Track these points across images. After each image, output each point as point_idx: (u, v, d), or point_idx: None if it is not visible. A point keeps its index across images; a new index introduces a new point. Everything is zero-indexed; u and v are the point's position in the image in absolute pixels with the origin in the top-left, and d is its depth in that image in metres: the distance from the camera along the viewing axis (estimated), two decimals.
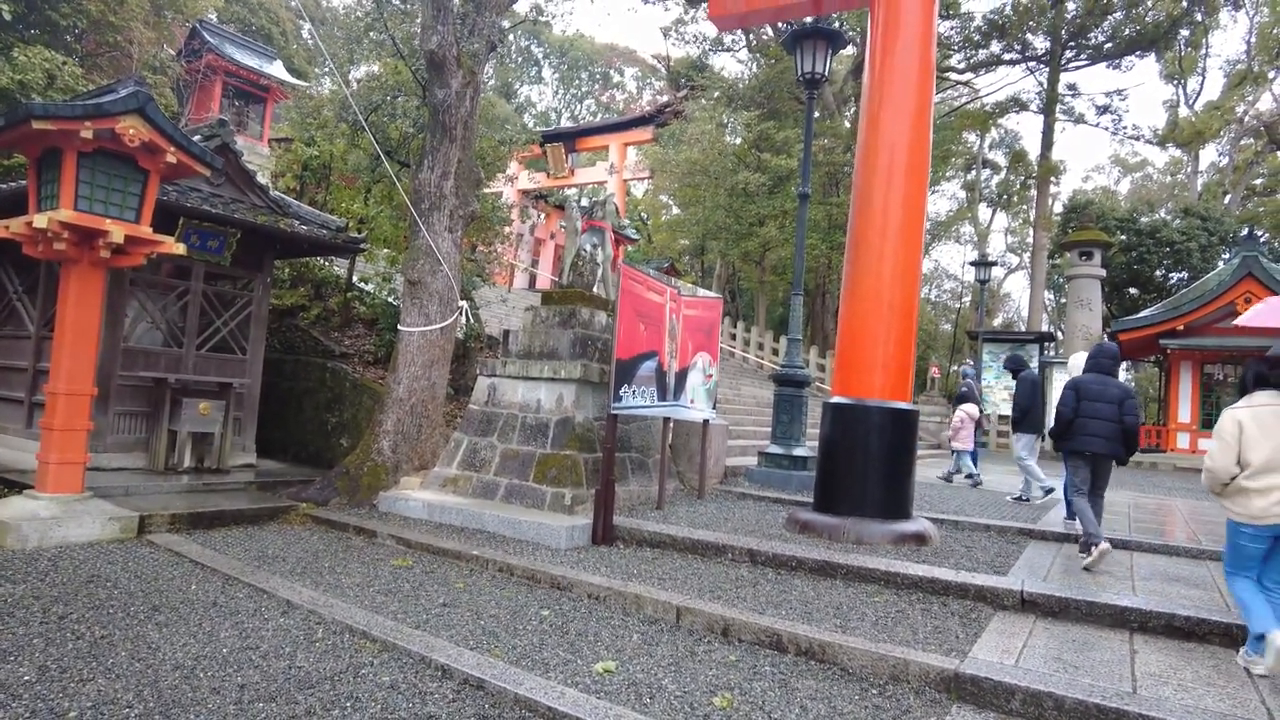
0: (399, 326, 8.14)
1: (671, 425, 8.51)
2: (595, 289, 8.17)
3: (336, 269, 13.05)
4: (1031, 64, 29.80)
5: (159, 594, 4.85)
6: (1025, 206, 41.14)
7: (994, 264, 22.58)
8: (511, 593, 5.33)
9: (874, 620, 4.67)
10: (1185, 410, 21.02)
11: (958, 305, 44.30)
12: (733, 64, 51.99)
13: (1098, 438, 6.10)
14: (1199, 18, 28.42)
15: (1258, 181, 37.37)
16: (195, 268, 8.87)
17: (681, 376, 7.65)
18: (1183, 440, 20.88)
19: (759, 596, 5.09)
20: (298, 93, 20.44)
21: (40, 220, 5.78)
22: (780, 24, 23.66)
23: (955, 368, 29.28)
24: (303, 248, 10.29)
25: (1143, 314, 22.18)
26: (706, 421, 8.11)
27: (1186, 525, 8.42)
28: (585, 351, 7.61)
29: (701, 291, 8.65)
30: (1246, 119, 36.23)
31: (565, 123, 48.11)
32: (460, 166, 8.26)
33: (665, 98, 32.11)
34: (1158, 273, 29.41)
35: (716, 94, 26.73)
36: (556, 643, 4.35)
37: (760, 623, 4.52)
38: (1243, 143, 37.55)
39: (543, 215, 30.70)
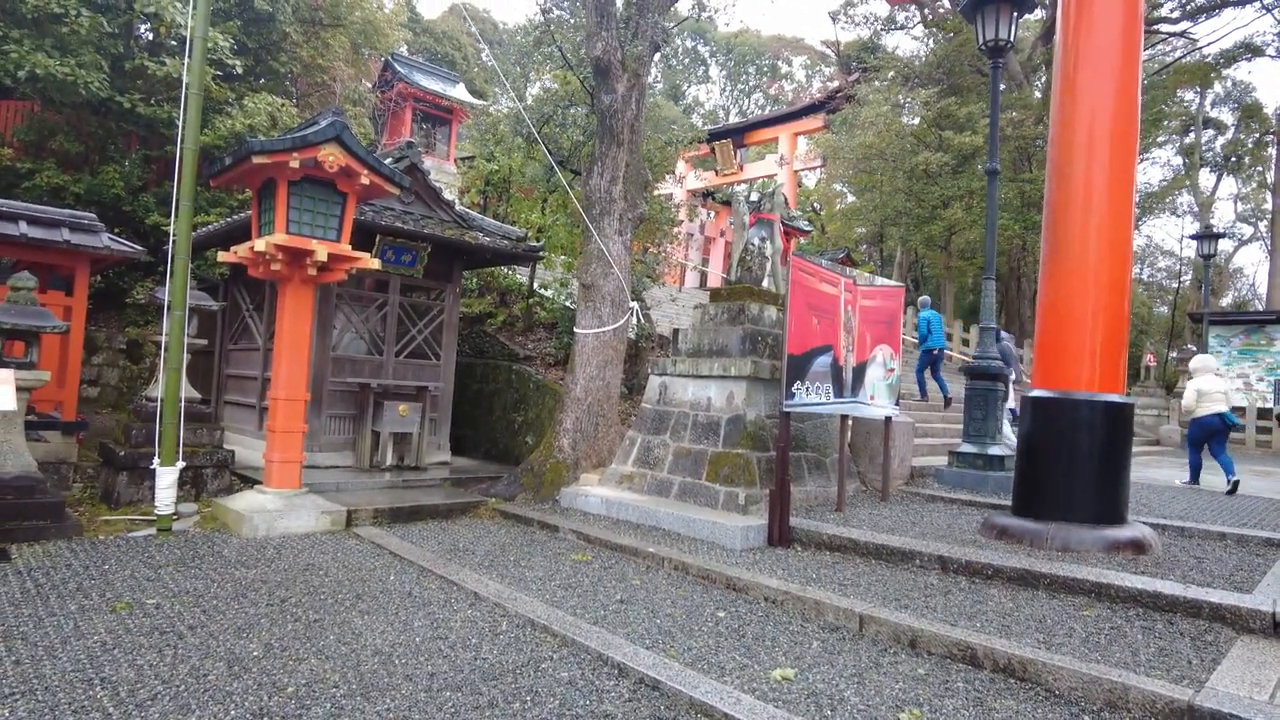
0: (574, 329, 8.39)
1: (850, 423, 8.15)
2: (764, 283, 7.98)
3: (519, 277, 13.73)
4: (1268, 1, 25.84)
5: (362, 583, 5.25)
6: (1260, 168, 35.81)
7: (1221, 236, 19.77)
8: (687, 591, 5.29)
9: (1084, 637, 4.17)
10: None
11: (1175, 285, 39.30)
12: (907, 42, 49.53)
13: None
14: None
15: None
16: (392, 281, 9.61)
17: (859, 371, 7.28)
18: None
19: (950, 607, 4.71)
20: (478, 112, 21.74)
21: (260, 244, 6.47)
22: None
23: (1173, 354, 26.05)
24: (487, 258, 10.87)
25: None
26: (888, 419, 7.66)
27: None
28: (755, 348, 7.44)
29: (880, 280, 8.18)
30: None
31: (733, 119, 47.88)
32: (628, 170, 8.37)
33: (836, 83, 31.07)
34: None
35: (891, 74, 25.46)
36: (732, 646, 4.25)
37: (952, 635, 4.17)
38: None
39: (711, 213, 30.69)
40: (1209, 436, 9.19)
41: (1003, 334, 10.46)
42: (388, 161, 8.54)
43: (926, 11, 28.64)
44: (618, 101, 8.09)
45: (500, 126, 13.26)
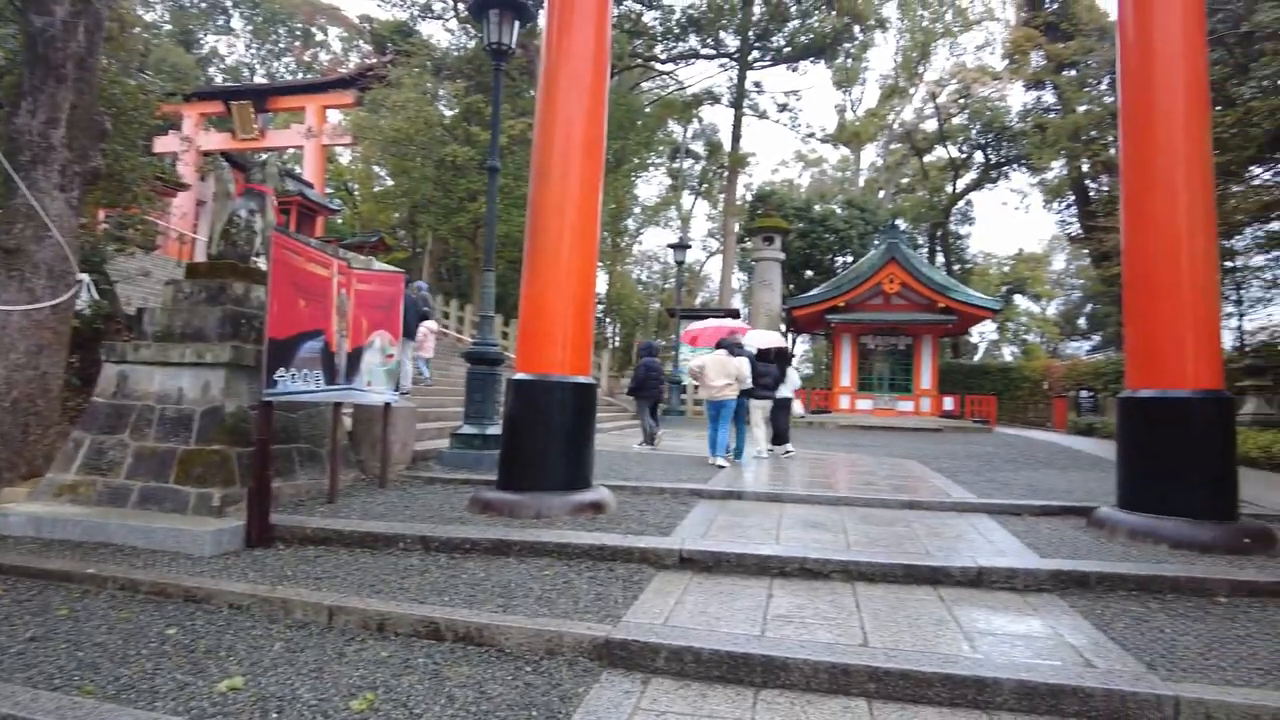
0: None
1: (351, 411, 7.94)
2: (255, 261, 7.30)
3: None
4: (725, 60, 32.34)
5: None
6: (723, 194, 44.91)
7: (688, 246, 24.62)
8: (132, 613, 4.55)
9: (539, 595, 4.59)
10: (846, 375, 24.30)
11: (664, 285, 47.20)
12: (442, 32, 50.40)
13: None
14: (858, 34, 32.71)
15: (904, 180, 44.29)
16: None
17: (355, 357, 7.08)
18: (844, 401, 24.13)
19: (425, 585, 4.82)
20: None
21: None
22: None
23: (660, 343, 31.25)
24: None
25: (812, 293, 25.26)
26: (388, 405, 7.63)
27: (836, 475, 9.62)
28: (238, 332, 6.74)
29: (378, 265, 8.09)
30: (895, 126, 42.75)
31: (260, 80, 43.81)
32: (75, 113, 6.88)
33: (370, 61, 30.17)
34: (827, 256, 33.66)
35: (427, 62, 25.60)
36: (177, 665, 3.77)
37: (418, 613, 4.27)
38: (892, 147, 44.29)
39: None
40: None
41: (418, 284, 13.38)
42: None
43: (460, 7, 29.41)
44: (56, 27, 6.58)
45: None
